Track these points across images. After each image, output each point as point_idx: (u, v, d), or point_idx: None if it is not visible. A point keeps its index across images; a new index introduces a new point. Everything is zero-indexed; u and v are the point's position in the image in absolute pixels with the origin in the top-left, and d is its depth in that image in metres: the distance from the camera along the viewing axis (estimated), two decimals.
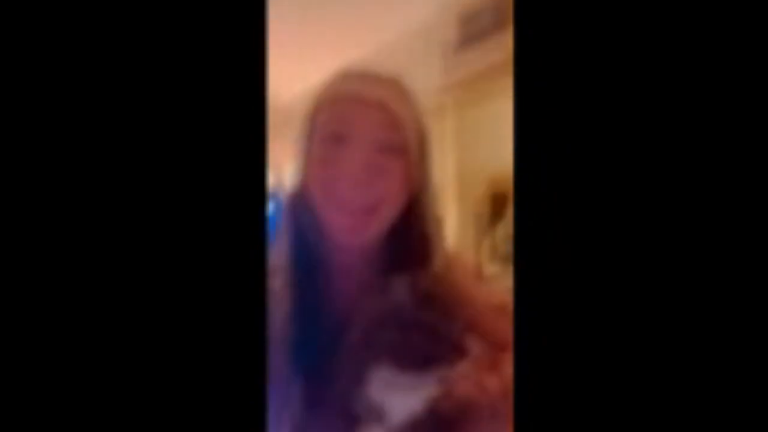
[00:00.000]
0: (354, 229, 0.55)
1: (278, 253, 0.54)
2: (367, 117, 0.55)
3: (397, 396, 0.43)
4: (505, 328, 0.43)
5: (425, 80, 0.63)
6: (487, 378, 0.48)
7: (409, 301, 0.41)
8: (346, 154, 0.55)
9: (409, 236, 0.60)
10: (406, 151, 0.57)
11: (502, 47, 1.49)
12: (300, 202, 0.59)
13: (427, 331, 0.40)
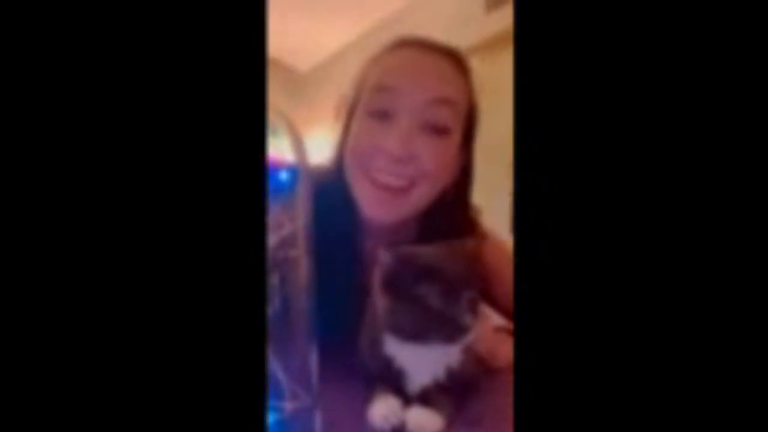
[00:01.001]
0: (384, 205, 0.53)
1: (296, 222, 0.53)
2: (417, 93, 0.52)
3: (414, 362, 0.42)
4: None
5: (450, 42, 0.59)
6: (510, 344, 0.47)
7: (403, 272, 0.40)
8: (387, 130, 0.52)
9: (442, 217, 0.58)
10: (450, 132, 0.54)
11: None
12: (332, 172, 0.57)
13: (422, 305, 0.40)
